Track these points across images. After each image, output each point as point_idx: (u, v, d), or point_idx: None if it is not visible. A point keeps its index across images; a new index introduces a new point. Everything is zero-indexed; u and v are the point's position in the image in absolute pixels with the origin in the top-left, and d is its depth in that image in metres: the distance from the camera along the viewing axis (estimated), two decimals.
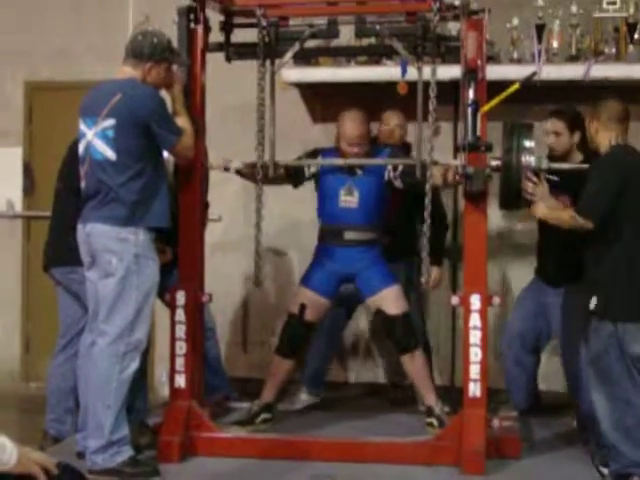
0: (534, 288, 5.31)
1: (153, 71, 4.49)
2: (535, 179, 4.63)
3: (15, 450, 2.60)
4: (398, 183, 5.16)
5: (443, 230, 5.91)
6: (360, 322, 6.53)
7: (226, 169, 5.14)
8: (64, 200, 4.96)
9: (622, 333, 4.29)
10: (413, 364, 5.19)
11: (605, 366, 4.34)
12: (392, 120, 5.83)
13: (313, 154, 5.34)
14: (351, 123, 5.18)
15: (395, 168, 5.13)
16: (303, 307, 5.22)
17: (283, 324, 5.35)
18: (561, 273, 5.06)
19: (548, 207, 4.60)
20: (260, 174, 4.97)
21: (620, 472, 4.33)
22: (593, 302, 4.36)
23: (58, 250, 4.98)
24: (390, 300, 5.17)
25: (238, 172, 5.18)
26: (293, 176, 5.30)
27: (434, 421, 5.08)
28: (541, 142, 5.10)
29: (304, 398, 5.84)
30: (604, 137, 4.50)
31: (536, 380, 5.45)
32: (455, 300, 4.76)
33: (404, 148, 5.86)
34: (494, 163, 4.63)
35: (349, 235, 5.21)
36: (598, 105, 4.56)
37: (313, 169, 5.27)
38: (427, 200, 4.72)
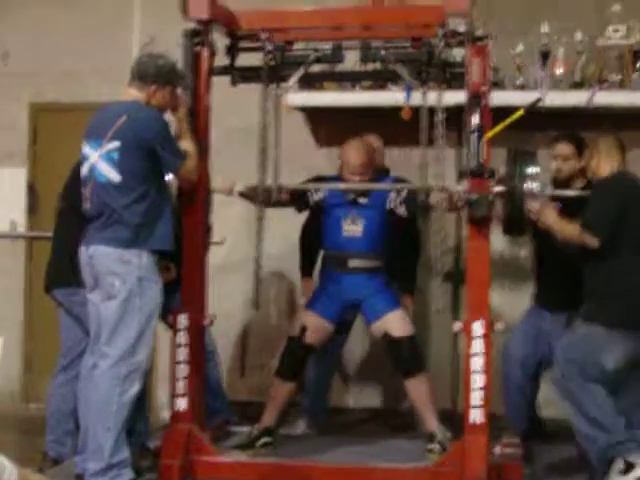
0: (533, 313, 5.31)
1: (158, 94, 4.50)
2: (541, 200, 4.67)
3: (15, 471, 2.59)
4: (402, 211, 5.19)
5: (416, 259, 5.87)
6: (360, 347, 6.50)
7: (229, 193, 5.14)
8: (66, 221, 4.95)
9: (598, 338, 4.43)
10: (417, 389, 5.17)
11: (568, 364, 4.48)
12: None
13: (317, 181, 5.36)
14: (354, 152, 5.21)
15: (398, 195, 5.15)
16: (304, 329, 5.23)
17: (283, 347, 5.34)
18: (560, 298, 5.06)
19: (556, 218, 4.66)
20: (261, 197, 4.98)
21: (602, 458, 4.45)
22: (583, 308, 4.53)
23: (60, 271, 4.97)
24: (395, 323, 5.18)
25: (241, 195, 5.19)
26: (297, 201, 5.32)
27: (436, 447, 5.05)
28: (544, 169, 5.09)
29: (302, 426, 5.80)
30: (605, 169, 4.64)
31: (535, 405, 5.44)
32: (457, 327, 4.74)
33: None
34: (497, 189, 4.64)
35: (353, 263, 5.23)
36: (597, 140, 4.70)
37: (317, 197, 5.29)
38: (436, 226, 4.74)
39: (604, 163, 4.62)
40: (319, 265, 5.74)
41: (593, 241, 4.48)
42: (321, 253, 5.61)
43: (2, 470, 2.58)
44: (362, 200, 5.23)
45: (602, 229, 4.49)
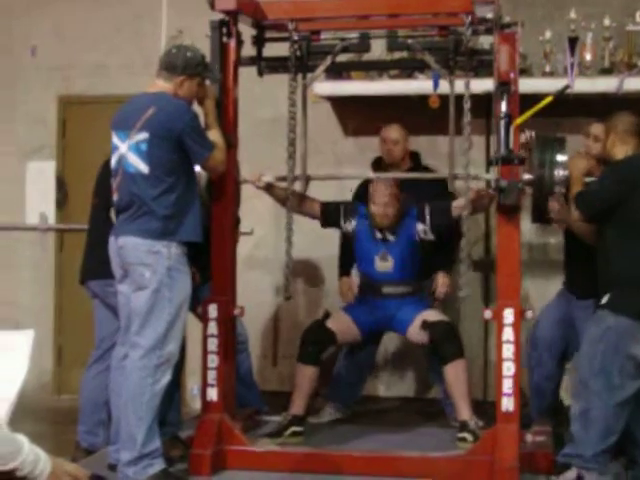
0: (562, 298, 5.30)
1: (185, 85, 4.51)
2: (561, 202, 4.65)
3: (49, 461, 2.61)
4: (430, 237, 5.29)
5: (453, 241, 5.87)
6: (391, 336, 6.49)
7: (257, 186, 5.14)
8: (100, 214, 4.97)
9: (624, 329, 4.34)
10: (455, 375, 5.17)
11: (592, 355, 4.42)
12: (390, 135, 5.84)
13: (347, 207, 5.43)
14: (381, 185, 5.26)
15: (424, 224, 5.24)
16: (327, 314, 5.35)
17: (304, 330, 5.39)
18: (586, 284, 5.03)
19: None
20: (291, 188, 4.98)
21: (565, 461, 4.46)
22: (606, 297, 4.43)
23: (95, 263, 4.99)
24: (431, 314, 5.30)
25: (267, 190, 5.19)
26: (325, 218, 5.41)
27: (468, 436, 5.03)
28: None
29: (330, 411, 5.79)
30: (620, 150, 4.56)
31: (559, 390, 5.43)
32: (488, 314, 4.73)
33: (413, 159, 5.89)
34: (527, 176, 4.63)
35: (387, 290, 5.37)
36: (615, 118, 4.60)
37: (349, 227, 5.40)
38: (464, 215, 4.78)
39: (620, 144, 4.56)
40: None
41: (575, 214, 4.55)
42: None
43: (37, 460, 2.60)
44: (391, 237, 5.33)
45: (585, 206, 4.52)
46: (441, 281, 5.75)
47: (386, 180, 5.31)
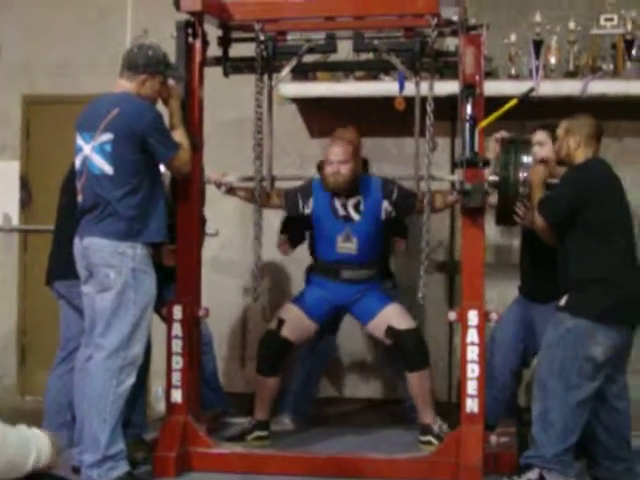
0: (520, 303, 5.31)
1: (147, 84, 4.49)
2: (528, 205, 4.67)
3: (44, 439, 2.58)
4: (394, 214, 5.14)
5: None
6: (357, 336, 6.50)
7: (217, 186, 5.11)
8: (68, 215, 4.93)
9: (583, 331, 4.36)
10: (420, 384, 5.11)
11: (551, 357, 4.44)
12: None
13: (306, 186, 5.24)
14: (335, 142, 5.11)
15: (391, 202, 5.10)
16: (281, 322, 5.15)
17: (259, 341, 5.28)
18: (543, 289, 5.05)
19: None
20: (258, 189, 4.97)
21: (527, 462, 4.48)
22: (564, 299, 4.45)
23: (61, 264, 4.94)
24: (395, 316, 5.13)
25: (229, 192, 5.16)
26: (288, 209, 5.27)
27: (432, 439, 5.03)
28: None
29: (287, 422, 5.62)
30: (583, 153, 4.56)
31: (516, 394, 5.45)
32: (452, 316, 4.74)
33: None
34: (491, 178, 4.65)
35: (346, 274, 5.16)
36: (579, 121, 4.60)
37: (307, 211, 5.20)
38: (425, 216, 4.75)
39: (584, 147, 4.56)
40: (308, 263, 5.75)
41: (539, 220, 4.55)
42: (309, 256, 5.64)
43: (40, 446, 2.58)
44: (355, 216, 5.11)
45: (548, 212, 4.51)
46: (401, 246, 5.74)
47: (342, 139, 5.10)
